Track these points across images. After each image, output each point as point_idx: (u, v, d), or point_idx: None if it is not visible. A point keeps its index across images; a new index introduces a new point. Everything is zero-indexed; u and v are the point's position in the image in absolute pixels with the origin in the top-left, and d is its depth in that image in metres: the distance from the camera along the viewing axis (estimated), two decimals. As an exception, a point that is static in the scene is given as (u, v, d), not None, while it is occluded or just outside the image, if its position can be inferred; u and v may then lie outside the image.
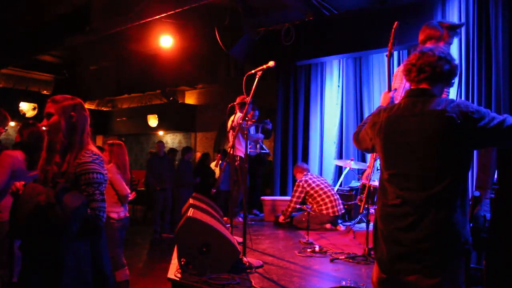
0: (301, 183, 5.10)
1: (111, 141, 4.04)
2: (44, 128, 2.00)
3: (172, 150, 8.53)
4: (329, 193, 5.01)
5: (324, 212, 4.92)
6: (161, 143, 7.73)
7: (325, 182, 5.22)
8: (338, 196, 5.12)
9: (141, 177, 10.74)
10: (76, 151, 1.95)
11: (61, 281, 1.80)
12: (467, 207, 1.66)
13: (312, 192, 5.03)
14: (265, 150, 5.84)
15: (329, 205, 4.94)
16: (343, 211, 5.07)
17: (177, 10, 5.57)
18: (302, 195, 5.08)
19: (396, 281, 1.70)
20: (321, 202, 4.96)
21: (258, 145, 5.67)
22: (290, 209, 5.10)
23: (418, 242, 1.62)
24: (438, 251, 1.61)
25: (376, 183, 4.16)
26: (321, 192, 5.01)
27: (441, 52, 1.74)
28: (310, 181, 5.10)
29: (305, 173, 5.28)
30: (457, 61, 1.80)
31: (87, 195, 1.89)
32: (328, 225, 4.97)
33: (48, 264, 1.83)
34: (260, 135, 5.62)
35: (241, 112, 4.99)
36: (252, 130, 5.62)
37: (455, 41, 4.76)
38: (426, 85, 1.74)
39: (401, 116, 1.74)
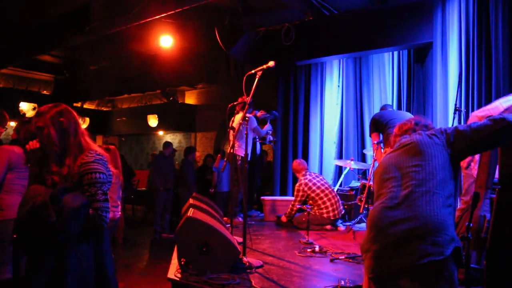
0: (301, 187, 5.06)
1: (104, 146, 4.08)
2: (38, 144, 1.99)
3: (172, 150, 8.53)
4: (330, 196, 4.97)
5: (325, 215, 4.91)
6: (170, 143, 7.76)
7: (325, 183, 5.16)
8: (338, 197, 5.09)
9: (140, 177, 10.74)
10: (74, 153, 1.95)
11: (65, 282, 1.80)
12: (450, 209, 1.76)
13: (313, 195, 4.99)
14: (272, 137, 5.88)
15: (330, 208, 4.92)
16: (343, 212, 5.06)
17: (177, 10, 5.56)
18: (304, 198, 5.06)
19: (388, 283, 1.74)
20: (322, 206, 4.93)
21: (267, 137, 5.73)
22: (293, 213, 5.11)
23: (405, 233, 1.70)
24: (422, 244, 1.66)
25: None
26: (322, 194, 4.96)
27: (417, 120, 2.12)
28: (310, 184, 5.04)
29: (303, 172, 5.22)
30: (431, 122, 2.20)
31: (90, 195, 1.89)
32: (328, 226, 4.97)
33: (52, 266, 1.82)
34: (269, 128, 5.71)
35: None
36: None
37: (455, 40, 4.77)
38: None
39: (394, 149, 2.05)
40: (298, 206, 4.98)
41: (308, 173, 5.25)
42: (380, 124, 4.44)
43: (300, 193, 5.05)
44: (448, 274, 1.64)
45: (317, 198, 4.96)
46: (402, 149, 1.96)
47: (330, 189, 5.07)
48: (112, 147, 4.09)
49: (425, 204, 1.70)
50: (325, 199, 4.94)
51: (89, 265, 1.90)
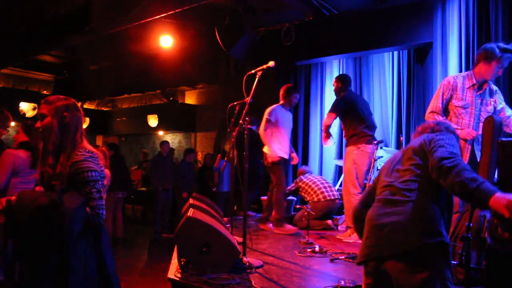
0: (295, 180, 5.48)
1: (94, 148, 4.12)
2: (39, 129, 2.01)
3: (170, 150, 8.53)
4: (318, 182, 5.20)
5: (315, 199, 5.04)
6: (166, 143, 7.75)
7: (322, 178, 5.45)
8: (331, 184, 5.31)
9: (139, 177, 10.74)
10: (68, 152, 1.94)
11: (69, 282, 1.80)
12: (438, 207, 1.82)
13: (303, 185, 5.26)
14: None
15: (319, 191, 5.08)
16: (338, 197, 5.14)
17: (177, 10, 5.56)
18: (293, 189, 5.40)
19: (378, 272, 1.83)
20: (311, 192, 5.13)
21: None
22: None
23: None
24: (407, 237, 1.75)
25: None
26: (310, 182, 5.23)
27: (439, 122, 2.16)
28: (304, 179, 5.35)
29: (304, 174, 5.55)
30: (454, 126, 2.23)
31: (85, 194, 1.89)
32: (329, 221, 4.98)
33: (56, 268, 1.81)
34: None
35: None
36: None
37: (455, 40, 4.77)
38: None
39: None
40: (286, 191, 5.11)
41: (307, 174, 5.55)
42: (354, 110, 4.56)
43: (292, 184, 5.47)
44: (429, 262, 1.70)
45: (306, 187, 5.22)
46: (404, 150, 2.05)
47: (323, 180, 5.34)
48: (103, 148, 4.13)
49: (410, 202, 1.81)
50: (312, 185, 5.19)
51: (91, 264, 1.90)
